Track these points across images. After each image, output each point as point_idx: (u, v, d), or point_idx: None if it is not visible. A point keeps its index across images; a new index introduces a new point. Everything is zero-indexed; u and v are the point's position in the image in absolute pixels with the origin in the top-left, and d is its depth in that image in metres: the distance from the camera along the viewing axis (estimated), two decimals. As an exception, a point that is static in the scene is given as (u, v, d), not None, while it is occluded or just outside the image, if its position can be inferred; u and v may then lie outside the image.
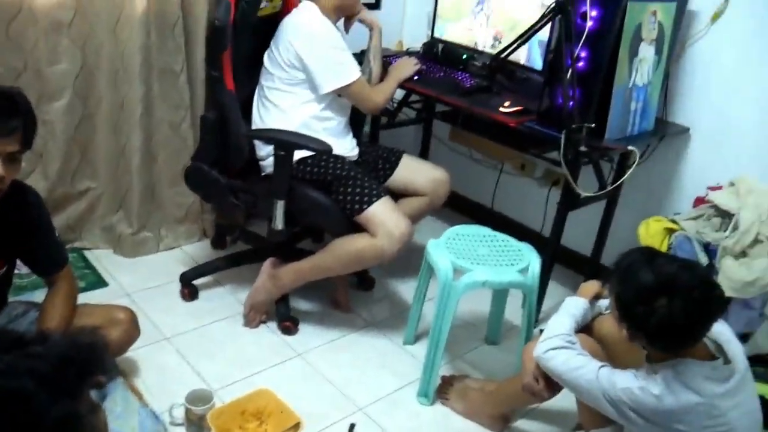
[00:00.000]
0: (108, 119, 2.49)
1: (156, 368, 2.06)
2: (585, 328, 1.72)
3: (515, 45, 2.18)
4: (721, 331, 1.50)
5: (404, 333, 2.34)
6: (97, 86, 2.44)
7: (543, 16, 2.04)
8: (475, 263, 1.98)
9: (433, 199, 2.41)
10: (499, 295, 2.30)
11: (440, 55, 2.74)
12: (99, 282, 2.47)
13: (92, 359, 0.69)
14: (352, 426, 1.90)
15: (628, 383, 1.45)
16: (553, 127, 2.12)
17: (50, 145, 2.43)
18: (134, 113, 2.46)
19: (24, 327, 1.77)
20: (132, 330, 1.89)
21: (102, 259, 2.62)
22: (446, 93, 2.43)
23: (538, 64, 2.44)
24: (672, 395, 1.40)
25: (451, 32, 2.75)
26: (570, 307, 1.71)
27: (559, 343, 1.61)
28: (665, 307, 1.35)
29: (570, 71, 1.98)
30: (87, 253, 2.62)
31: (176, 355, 2.14)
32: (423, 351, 2.24)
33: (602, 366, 1.53)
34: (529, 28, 2.12)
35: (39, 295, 2.18)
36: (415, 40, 3.09)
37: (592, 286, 1.78)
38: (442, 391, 2.08)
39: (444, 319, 1.96)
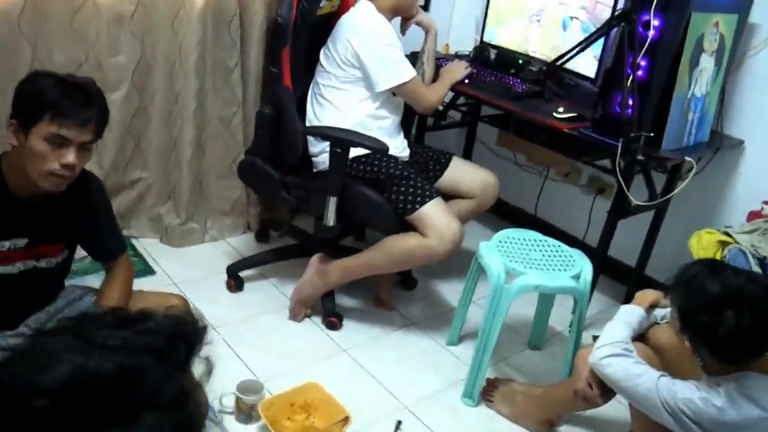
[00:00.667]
0: (162, 112, 2.54)
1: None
2: (640, 337, 1.72)
3: (575, 51, 2.18)
4: None
5: (447, 333, 2.35)
6: (154, 79, 2.49)
7: (606, 24, 2.04)
8: (527, 267, 1.98)
9: (481, 201, 2.42)
10: (546, 300, 2.30)
11: (492, 60, 2.74)
12: (147, 270, 2.51)
13: (196, 335, 0.70)
14: (399, 423, 1.91)
15: (690, 394, 1.45)
16: (608, 134, 2.12)
17: (106, 135, 2.38)
18: (188, 107, 2.50)
19: (82, 310, 1.81)
20: (186, 318, 1.91)
21: (149, 247, 2.66)
22: (497, 97, 2.44)
23: (588, 71, 2.44)
24: (735, 408, 1.39)
25: (502, 37, 2.76)
26: (626, 315, 1.71)
27: (616, 350, 1.61)
28: (733, 318, 1.35)
29: (630, 79, 1.98)
30: (134, 242, 2.67)
31: (223, 344, 2.17)
32: (466, 352, 2.26)
33: (662, 375, 1.53)
34: (590, 35, 2.12)
35: (89, 280, 2.23)
36: (462, 44, 3.10)
37: (650, 294, 1.77)
38: (486, 393, 2.08)
39: (494, 321, 1.97)
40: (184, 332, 0.67)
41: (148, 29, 2.39)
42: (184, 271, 2.54)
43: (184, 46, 2.43)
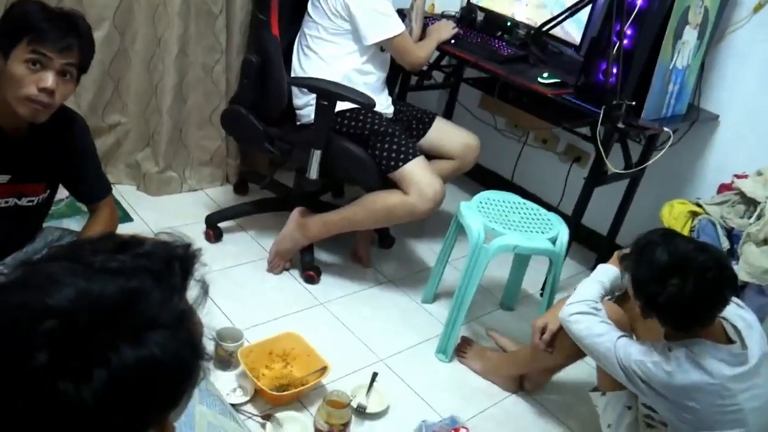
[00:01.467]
0: (143, 55, 2.48)
1: (182, 304, 2.09)
2: (622, 298, 1.77)
3: (562, 18, 2.20)
4: (744, 316, 1.56)
5: (423, 291, 2.39)
6: (135, 21, 2.42)
7: (596, -10, 2.05)
8: (507, 228, 2.03)
9: (462, 163, 2.45)
10: (521, 262, 2.35)
11: (479, 22, 2.74)
12: (125, 217, 2.48)
13: (190, 257, 0.71)
14: (375, 375, 1.96)
15: (643, 356, 1.51)
16: (590, 102, 2.15)
17: (84, 76, 2.40)
18: (170, 52, 2.45)
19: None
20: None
21: (126, 194, 2.63)
22: (483, 59, 2.45)
23: (574, 39, 2.46)
24: (683, 373, 1.45)
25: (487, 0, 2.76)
26: (600, 275, 1.77)
27: (584, 308, 1.67)
28: (676, 285, 1.40)
29: (616, 47, 2.01)
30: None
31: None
32: (441, 310, 2.31)
33: (621, 336, 1.59)
34: (578, 2, 2.13)
35: (66, 224, 2.20)
36: (448, 4, 3.08)
37: None
38: (460, 349, 2.14)
39: (471, 280, 2.01)
40: (178, 254, 0.68)
41: (131, -32, 2.33)
42: (161, 219, 2.52)
43: (167, -11, 2.37)
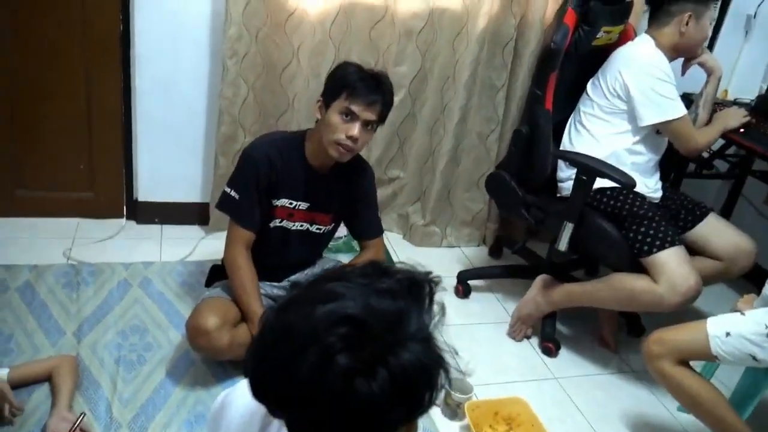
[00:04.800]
0: (428, 120, 2.77)
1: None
2: None
3: None
4: None
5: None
6: (427, 89, 2.73)
7: None
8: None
9: (729, 266, 2.22)
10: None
11: (776, 111, 2.52)
12: (389, 261, 2.75)
13: (434, 283, 0.80)
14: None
15: None
16: None
17: (377, 134, 2.78)
18: (452, 119, 2.71)
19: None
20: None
21: (393, 241, 2.91)
22: (776, 152, 2.24)
23: None
24: None
25: (794, 89, 2.52)
26: None
27: None
28: None
29: None
30: (381, 234, 2.94)
31: (442, 343, 2.30)
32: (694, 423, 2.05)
33: None
34: None
35: (340, 257, 2.53)
36: (744, 91, 2.88)
37: None
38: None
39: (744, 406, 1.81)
40: (425, 280, 0.79)
41: (431, 44, 2.64)
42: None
43: (459, 63, 2.63)
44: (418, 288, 0.77)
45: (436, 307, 0.80)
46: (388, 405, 0.68)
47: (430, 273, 0.82)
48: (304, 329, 0.70)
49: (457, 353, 0.80)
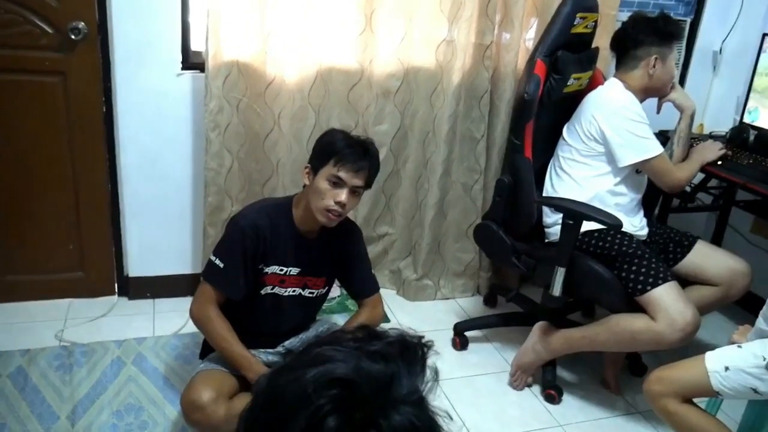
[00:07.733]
0: (412, 175, 2.81)
1: (424, 406, 2.21)
2: None
3: None
4: None
5: None
6: (408, 146, 2.78)
7: None
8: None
9: (727, 291, 2.24)
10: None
11: (751, 142, 2.57)
12: (384, 317, 2.73)
13: (426, 347, 0.81)
14: None
15: None
16: None
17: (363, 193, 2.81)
18: (435, 172, 2.75)
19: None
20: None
21: (387, 297, 2.87)
22: (754, 182, 2.28)
23: None
24: None
25: (766, 119, 2.58)
26: None
27: None
28: None
29: None
30: (375, 291, 2.93)
31: (444, 398, 2.28)
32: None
33: None
34: None
35: (335, 319, 2.52)
36: (719, 124, 2.95)
37: None
38: None
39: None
40: (416, 344, 0.78)
41: (409, 102, 2.70)
42: (414, 323, 2.72)
43: (437, 118, 2.69)
44: (410, 351, 0.77)
45: (429, 372, 0.80)
46: None
47: (422, 337, 0.83)
48: (294, 392, 0.70)
49: (451, 418, 0.78)
